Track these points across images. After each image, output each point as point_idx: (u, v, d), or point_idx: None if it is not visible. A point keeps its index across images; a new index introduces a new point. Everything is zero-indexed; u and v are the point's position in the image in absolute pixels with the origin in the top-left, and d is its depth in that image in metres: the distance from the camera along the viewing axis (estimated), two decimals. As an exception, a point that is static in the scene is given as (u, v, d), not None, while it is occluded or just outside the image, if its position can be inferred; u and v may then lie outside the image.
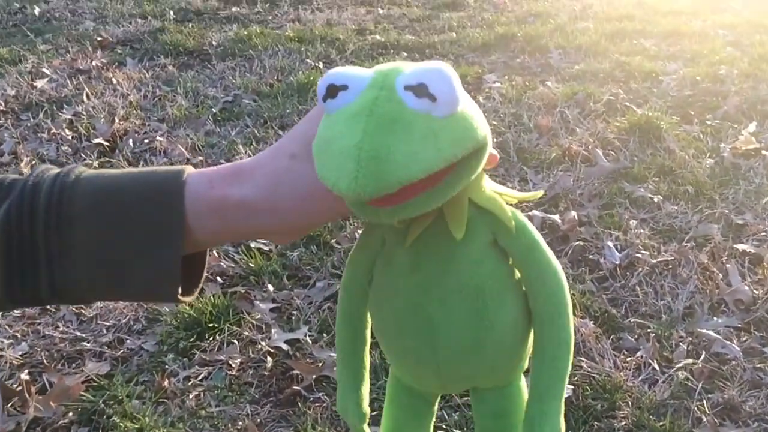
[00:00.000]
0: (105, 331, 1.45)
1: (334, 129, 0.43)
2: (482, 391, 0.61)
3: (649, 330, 1.40)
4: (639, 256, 1.62)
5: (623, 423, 1.18)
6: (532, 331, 0.54)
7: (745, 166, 2.05)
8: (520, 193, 0.54)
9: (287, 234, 0.52)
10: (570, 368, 0.54)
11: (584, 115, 2.45)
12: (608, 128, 2.33)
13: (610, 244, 1.68)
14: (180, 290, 0.49)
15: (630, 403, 1.21)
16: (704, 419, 1.18)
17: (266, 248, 1.71)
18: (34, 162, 2.22)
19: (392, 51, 3.37)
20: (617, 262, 1.61)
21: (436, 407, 0.66)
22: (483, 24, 3.85)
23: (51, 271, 0.46)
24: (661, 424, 1.17)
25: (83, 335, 1.43)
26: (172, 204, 0.47)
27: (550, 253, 0.53)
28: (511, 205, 0.52)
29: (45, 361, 1.36)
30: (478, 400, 0.62)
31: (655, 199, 1.88)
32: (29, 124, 2.56)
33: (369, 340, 0.61)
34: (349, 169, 0.40)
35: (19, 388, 1.24)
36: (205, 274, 0.55)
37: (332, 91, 0.43)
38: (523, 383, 0.60)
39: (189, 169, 0.49)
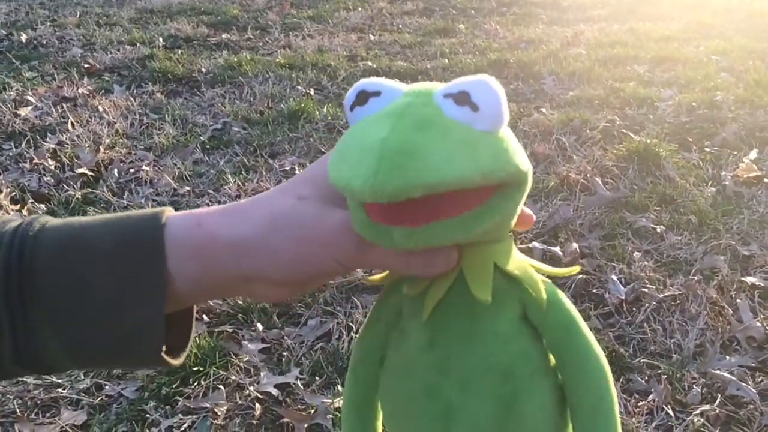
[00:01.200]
0: (82, 377, 1.36)
1: (357, 132, 0.37)
2: None
3: (659, 371, 1.33)
4: (645, 290, 1.56)
5: (638, 474, 1.10)
6: (574, 427, 0.45)
7: (747, 195, 2.00)
8: (553, 269, 0.46)
9: (280, 285, 0.44)
10: None
11: (581, 143, 2.40)
12: (606, 156, 2.28)
13: (615, 277, 1.61)
14: (164, 351, 0.42)
15: (644, 452, 1.14)
16: (723, 469, 1.11)
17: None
18: (14, 193, 2.14)
19: (384, 77, 3.33)
20: (623, 297, 1.55)
21: None
22: (475, 50, 3.83)
23: (14, 335, 0.39)
24: (677, 475, 1.09)
25: (59, 381, 1.34)
26: (150, 253, 0.40)
27: (590, 335, 0.44)
28: (545, 276, 0.45)
29: (18, 410, 1.27)
30: None
31: (658, 230, 1.82)
32: (11, 154, 2.48)
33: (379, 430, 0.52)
34: (368, 164, 0.33)
35: (-13, 441, 1.16)
36: (192, 335, 0.47)
37: (363, 97, 0.37)
38: None
39: (168, 211, 0.43)
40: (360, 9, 5.02)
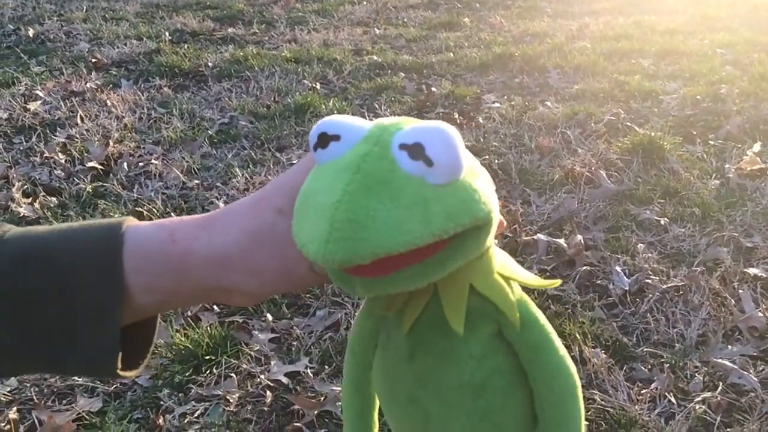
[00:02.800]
0: (97, 365, 1.39)
1: (317, 183, 0.38)
2: None
3: (662, 360, 1.35)
4: (648, 281, 1.58)
5: (640, 460, 1.13)
6: None
7: (751, 187, 2.02)
8: (537, 280, 0.48)
9: (254, 296, 0.45)
10: None
11: (585, 136, 2.42)
12: (610, 149, 2.30)
13: (618, 269, 1.63)
14: (120, 364, 0.42)
15: (647, 438, 1.16)
16: (724, 455, 1.14)
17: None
18: (26, 187, 2.17)
19: (390, 71, 3.35)
20: (626, 288, 1.57)
21: None
22: (480, 44, 3.84)
23: None
24: (679, 460, 1.12)
25: (74, 369, 1.38)
26: (107, 266, 0.40)
27: (563, 353, 0.46)
28: (530, 288, 0.47)
29: (34, 397, 1.30)
30: None
31: (662, 222, 1.84)
32: (21, 148, 2.51)
33: (377, 404, 0.55)
34: (321, 231, 0.35)
35: (7, 427, 1.19)
36: (153, 343, 0.47)
37: (323, 140, 0.38)
38: None
39: (130, 221, 0.42)
40: (365, 3, 5.03)
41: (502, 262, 0.46)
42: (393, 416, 0.50)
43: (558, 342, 0.46)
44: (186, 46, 3.86)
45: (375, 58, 3.56)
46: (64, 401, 1.30)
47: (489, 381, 0.45)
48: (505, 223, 0.46)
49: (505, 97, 2.91)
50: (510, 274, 0.46)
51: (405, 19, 4.56)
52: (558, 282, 0.52)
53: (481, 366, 0.45)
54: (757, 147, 2.25)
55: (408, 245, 0.35)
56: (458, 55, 3.60)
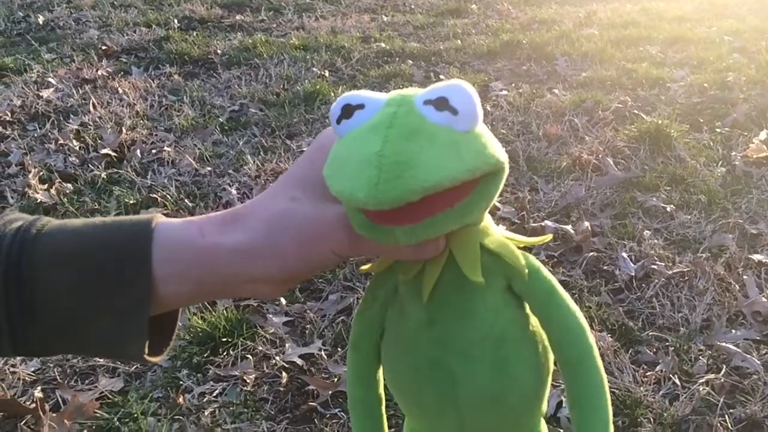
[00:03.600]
0: (117, 347, 1.43)
1: (349, 145, 0.41)
2: None
3: (667, 343, 1.38)
4: (654, 267, 1.61)
5: (645, 439, 1.17)
6: (564, 381, 0.51)
7: (757, 175, 2.04)
8: (528, 239, 0.52)
9: (280, 282, 0.47)
10: (611, 412, 0.51)
11: (593, 123, 2.44)
12: (617, 136, 2.32)
13: (625, 255, 1.66)
14: (147, 350, 0.45)
15: (651, 419, 1.20)
16: (727, 435, 1.17)
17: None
18: (41, 172, 2.21)
19: (398, 58, 3.37)
20: (632, 274, 1.60)
21: None
22: (488, 31, 3.85)
23: (12, 329, 0.43)
24: (683, 440, 1.15)
25: (96, 351, 1.42)
26: (137, 262, 0.43)
27: (568, 297, 0.50)
28: (522, 249, 0.50)
29: (58, 377, 1.35)
30: None
31: (668, 209, 1.87)
32: (36, 135, 2.55)
33: (384, 398, 0.57)
34: (369, 176, 0.38)
35: (33, 405, 1.23)
36: (176, 333, 0.51)
37: (348, 111, 0.41)
38: (543, 426, 0.58)
39: (159, 218, 0.46)
40: (372, -11, 5.03)
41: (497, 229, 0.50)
42: (411, 389, 0.53)
43: (562, 289, 0.50)
44: (195, 34, 3.88)
45: (383, 45, 3.58)
46: (87, 381, 1.35)
47: (507, 331, 0.48)
48: None
49: (513, 85, 2.93)
50: (508, 236, 0.50)
51: (412, 6, 4.57)
52: (549, 237, 0.56)
53: (498, 318, 0.48)
54: (763, 135, 2.27)
55: (451, 180, 0.38)
56: (466, 42, 3.62)
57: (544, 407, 0.55)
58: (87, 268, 0.43)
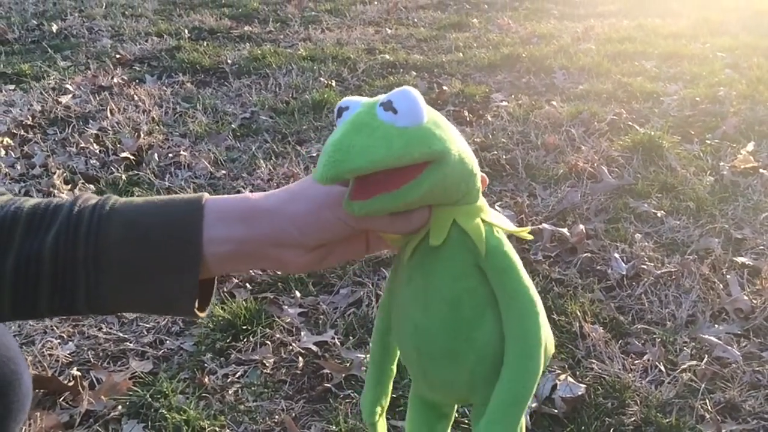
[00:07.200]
0: (146, 333, 1.54)
1: (329, 137, 0.54)
2: (478, 407, 0.62)
3: (654, 335, 1.49)
4: (644, 267, 1.73)
5: (632, 419, 1.27)
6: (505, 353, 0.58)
7: (743, 184, 2.16)
8: (510, 227, 0.60)
9: (302, 248, 0.58)
10: (529, 398, 0.55)
11: (589, 134, 2.56)
12: (612, 146, 2.44)
13: (617, 256, 1.78)
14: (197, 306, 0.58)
15: (638, 401, 1.31)
16: (707, 417, 1.28)
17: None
18: (65, 174, 2.32)
19: (402, 70, 3.49)
20: (624, 273, 1.71)
21: (452, 414, 0.73)
22: (488, 44, 3.98)
23: (88, 289, 0.54)
24: (667, 420, 1.26)
25: (125, 336, 1.53)
26: (190, 234, 0.55)
27: (528, 282, 0.57)
28: (512, 234, 0.60)
29: (92, 359, 1.45)
30: (474, 417, 0.64)
31: (659, 214, 1.99)
32: (57, 138, 2.66)
33: (396, 355, 0.69)
34: (323, 161, 0.50)
35: (71, 383, 1.34)
36: (213, 297, 0.64)
37: (340, 112, 0.55)
38: None
39: (206, 197, 0.58)
40: (376, 3, 5.17)
41: (492, 215, 0.60)
42: (398, 339, 0.64)
43: (523, 272, 0.58)
44: (205, 44, 4.01)
45: (387, 57, 3.71)
46: (118, 363, 1.45)
47: (462, 298, 0.57)
48: (487, 180, 0.61)
49: (513, 96, 3.05)
50: (491, 221, 0.59)
51: (415, 20, 4.71)
52: (528, 229, 0.65)
53: (456, 285, 0.58)
54: (750, 146, 2.39)
55: (373, 164, 0.50)
56: (467, 55, 3.75)
57: None
58: (149, 239, 0.55)
